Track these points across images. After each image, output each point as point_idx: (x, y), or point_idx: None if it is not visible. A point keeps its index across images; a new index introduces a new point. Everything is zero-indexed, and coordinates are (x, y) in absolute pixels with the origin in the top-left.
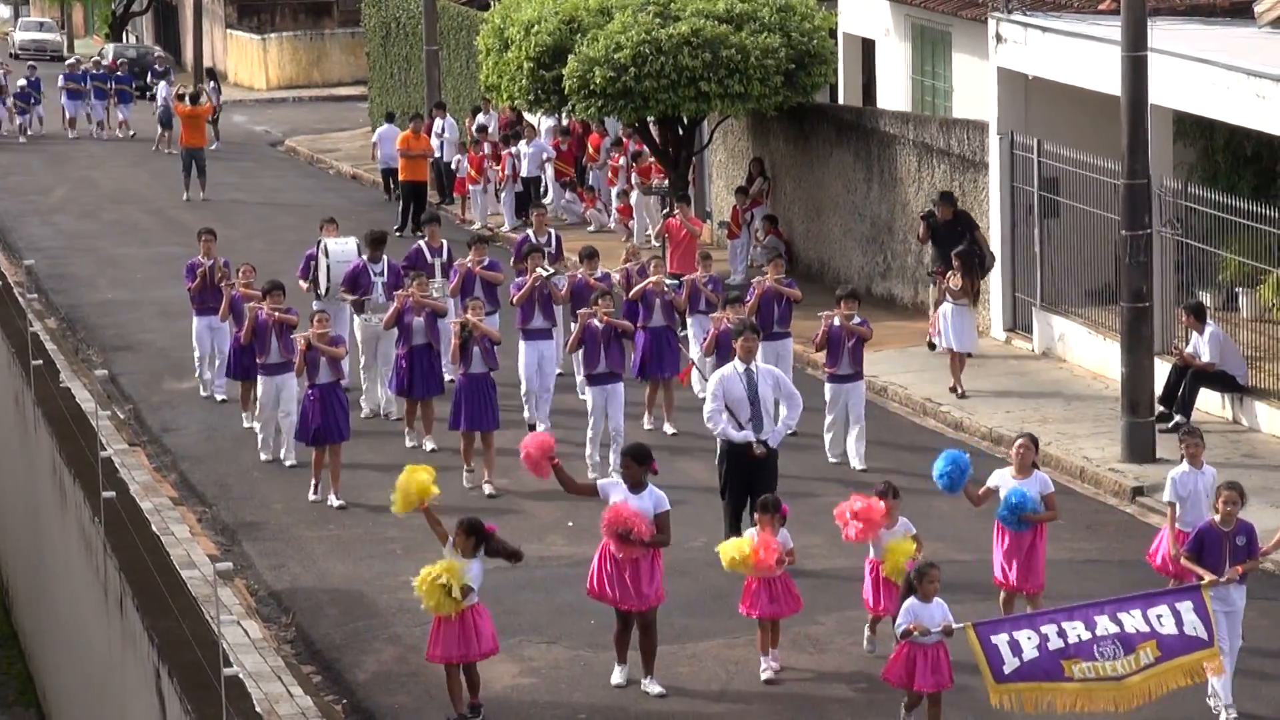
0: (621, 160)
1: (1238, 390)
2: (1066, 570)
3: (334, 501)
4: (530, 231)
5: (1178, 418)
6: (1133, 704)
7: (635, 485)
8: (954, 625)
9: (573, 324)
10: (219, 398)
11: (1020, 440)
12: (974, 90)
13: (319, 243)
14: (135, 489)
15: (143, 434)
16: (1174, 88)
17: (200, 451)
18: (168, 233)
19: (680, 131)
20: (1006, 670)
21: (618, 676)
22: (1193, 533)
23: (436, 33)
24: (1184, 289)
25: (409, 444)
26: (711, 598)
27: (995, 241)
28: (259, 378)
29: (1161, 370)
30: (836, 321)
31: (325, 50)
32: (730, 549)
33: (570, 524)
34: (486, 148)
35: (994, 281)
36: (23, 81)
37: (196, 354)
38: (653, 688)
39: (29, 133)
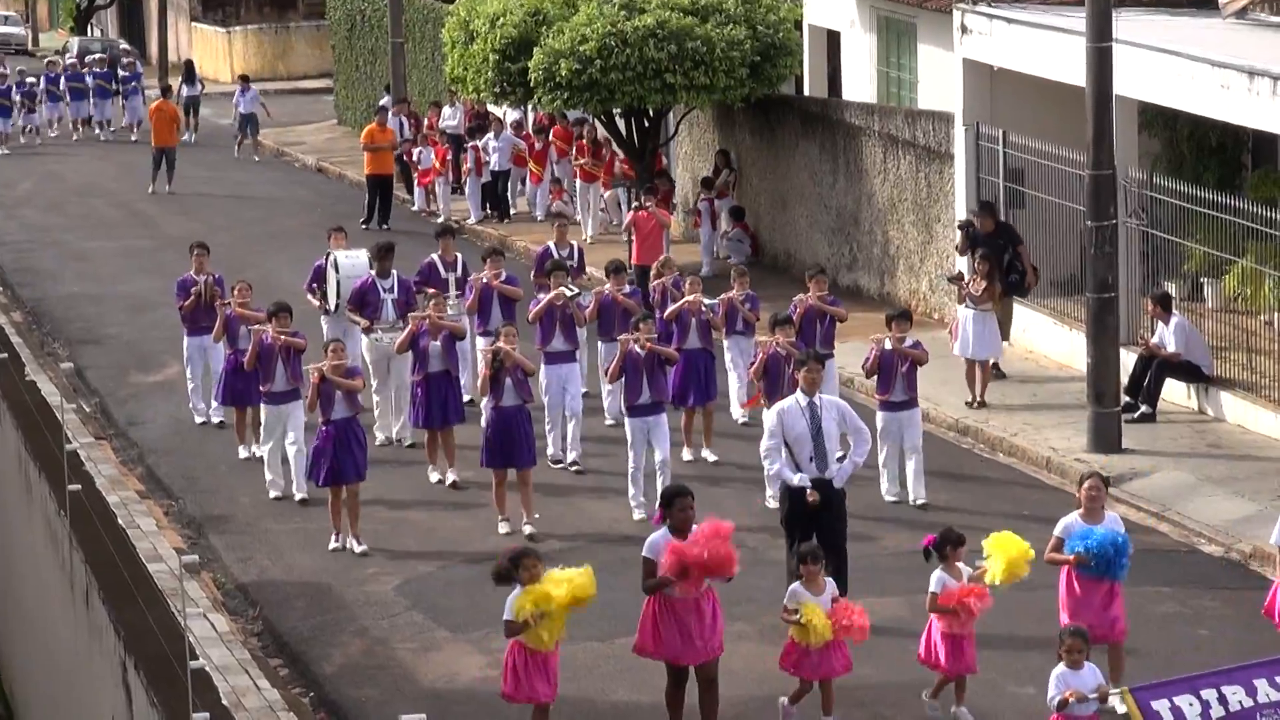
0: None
1: (1203, 380)
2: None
3: (356, 547)
4: (552, 244)
5: (1143, 408)
6: None
7: (680, 531)
8: (1111, 691)
9: (600, 343)
10: (215, 420)
11: (1089, 481)
12: (939, 81)
13: (327, 255)
14: (101, 482)
15: (109, 427)
16: (1139, 78)
17: (167, 445)
18: (134, 226)
19: (646, 124)
20: None
21: None
22: None
23: (402, 26)
24: (1149, 279)
25: (434, 479)
26: None
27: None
28: (263, 407)
29: (1127, 360)
30: (888, 344)
31: (290, 43)
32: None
33: (537, 515)
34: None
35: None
36: (32, 79)
37: (189, 376)
38: None
39: (35, 137)
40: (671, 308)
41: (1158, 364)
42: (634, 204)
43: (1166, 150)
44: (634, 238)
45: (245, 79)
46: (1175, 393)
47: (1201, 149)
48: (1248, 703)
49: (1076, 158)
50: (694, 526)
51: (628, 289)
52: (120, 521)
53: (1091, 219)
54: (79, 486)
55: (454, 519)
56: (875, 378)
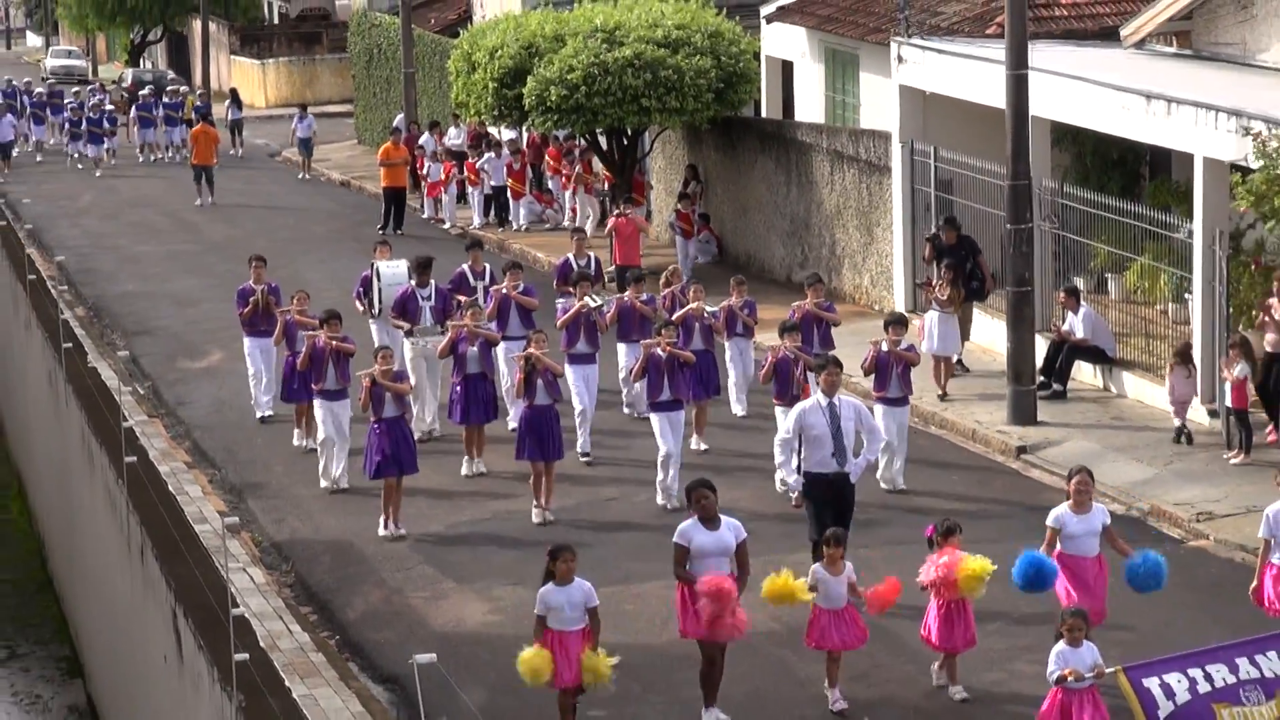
0: (576, 169)
1: (1108, 362)
2: (960, 518)
3: (395, 530)
4: (571, 255)
5: (1056, 386)
6: None
7: (709, 520)
8: (1105, 669)
9: (619, 344)
10: (266, 413)
11: (1078, 476)
12: (879, 104)
13: (372, 265)
14: (154, 454)
15: (160, 407)
16: (1051, 101)
17: (210, 422)
18: (180, 232)
19: (625, 141)
20: (1161, 714)
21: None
22: None
23: (413, 57)
24: (1061, 275)
25: (465, 472)
26: (655, 546)
27: (897, 237)
28: (316, 403)
29: (1042, 345)
30: (884, 347)
31: (316, 73)
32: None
33: (480, 466)
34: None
35: (897, 269)
36: (110, 107)
37: (250, 373)
38: (721, 717)
39: (111, 162)
40: (678, 313)
41: (1068, 348)
42: (615, 211)
43: (1075, 163)
44: (615, 241)
45: (303, 107)
46: (1083, 373)
47: (1105, 162)
48: (1230, 679)
49: (997, 170)
50: (721, 517)
51: (644, 296)
52: (170, 488)
53: (1010, 223)
54: (135, 458)
55: (461, 486)
56: (873, 376)
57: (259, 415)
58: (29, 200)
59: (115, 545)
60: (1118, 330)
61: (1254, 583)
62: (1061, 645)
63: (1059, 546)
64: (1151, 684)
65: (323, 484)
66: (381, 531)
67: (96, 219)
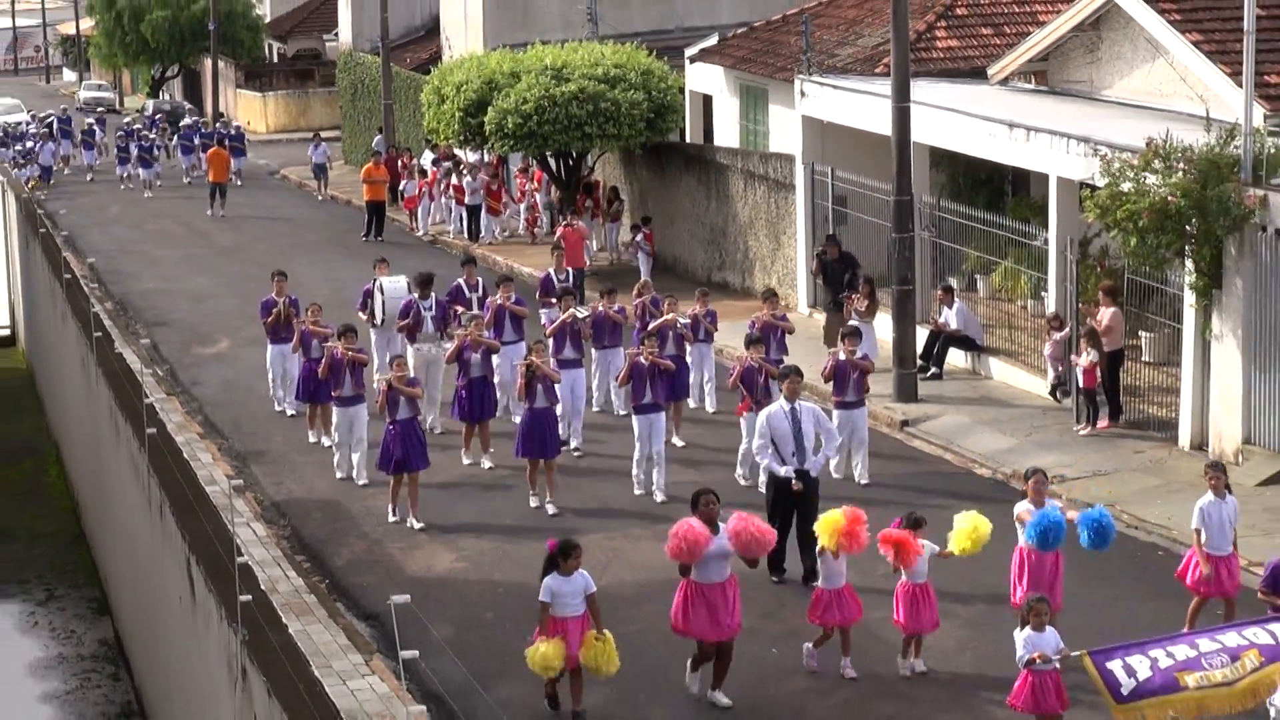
0: (528, 185)
1: (977, 349)
2: (851, 482)
3: (415, 524)
4: (552, 270)
5: (933, 369)
6: (1245, 705)
7: (709, 524)
8: (1070, 652)
9: (593, 350)
10: (290, 412)
11: (1034, 477)
12: (785, 132)
13: (374, 280)
14: (171, 427)
15: (176, 387)
16: (930, 129)
17: (220, 399)
18: (194, 239)
19: (570, 163)
20: (1124, 692)
21: (696, 687)
22: (1267, 569)
23: (391, 91)
24: (937, 275)
25: (466, 462)
26: (598, 506)
27: (800, 244)
28: (334, 408)
29: (921, 335)
30: (842, 356)
31: (309, 104)
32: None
33: (492, 450)
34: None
35: (800, 271)
36: (153, 135)
37: (270, 376)
38: (721, 699)
39: (156, 184)
40: (653, 324)
41: (944, 337)
42: (563, 222)
43: (949, 181)
44: (564, 248)
45: (318, 135)
46: (956, 358)
47: (975, 181)
48: (1192, 654)
49: (884, 187)
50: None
51: (616, 307)
52: (185, 456)
53: (895, 232)
54: (155, 430)
55: (433, 455)
56: (832, 383)
57: (289, 413)
58: (65, 211)
59: (138, 503)
60: (985, 322)
61: (1179, 566)
62: (1028, 630)
63: (1020, 541)
64: (1114, 665)
65: (338, 475)
66: (391, 518)
67: (123, 228)
